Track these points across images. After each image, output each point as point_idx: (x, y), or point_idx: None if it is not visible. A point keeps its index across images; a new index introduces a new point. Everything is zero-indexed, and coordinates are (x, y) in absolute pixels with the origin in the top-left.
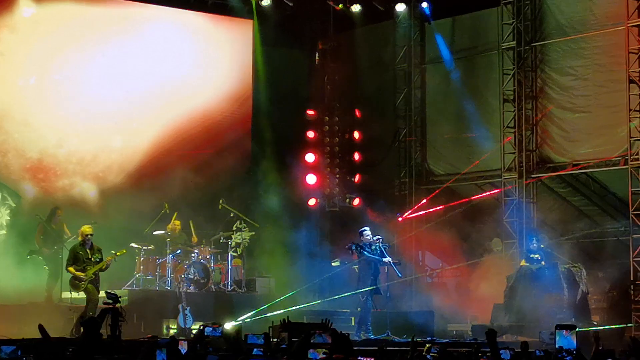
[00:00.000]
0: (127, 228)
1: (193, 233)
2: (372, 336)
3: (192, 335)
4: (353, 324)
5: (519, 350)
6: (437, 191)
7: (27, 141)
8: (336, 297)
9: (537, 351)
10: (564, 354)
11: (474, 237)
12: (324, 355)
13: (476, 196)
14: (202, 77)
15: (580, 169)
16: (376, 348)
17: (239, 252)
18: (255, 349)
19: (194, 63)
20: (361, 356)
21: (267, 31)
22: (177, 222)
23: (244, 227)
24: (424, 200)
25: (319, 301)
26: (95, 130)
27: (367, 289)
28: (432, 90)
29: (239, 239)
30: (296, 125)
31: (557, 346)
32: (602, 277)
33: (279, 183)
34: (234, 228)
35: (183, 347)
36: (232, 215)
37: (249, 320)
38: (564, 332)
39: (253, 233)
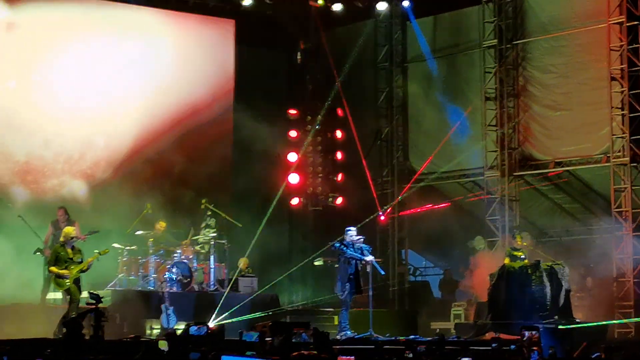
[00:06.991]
0: (111, 228)
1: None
2: (349, 334)
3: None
4: (335, 322)
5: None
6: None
7: (13, 145)
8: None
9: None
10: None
11: (457, 235)
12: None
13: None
14: (183, 77)
15: (562, 167)
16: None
17: (205, 250)
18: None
19: (175, 63)
20: (342, 354)
21: (248, 31)
22: (163, 223)
23: (213, 228)
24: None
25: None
26: (80, 128)
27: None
28: (414, 89)
29: (208, 238)
30: (278, 124)
31: None
32: (585, 274)
33: (262, 183)
34: (203, 226)
35: (164, 346)
36: (209, 213)
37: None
38: None
39: (216, 234)
